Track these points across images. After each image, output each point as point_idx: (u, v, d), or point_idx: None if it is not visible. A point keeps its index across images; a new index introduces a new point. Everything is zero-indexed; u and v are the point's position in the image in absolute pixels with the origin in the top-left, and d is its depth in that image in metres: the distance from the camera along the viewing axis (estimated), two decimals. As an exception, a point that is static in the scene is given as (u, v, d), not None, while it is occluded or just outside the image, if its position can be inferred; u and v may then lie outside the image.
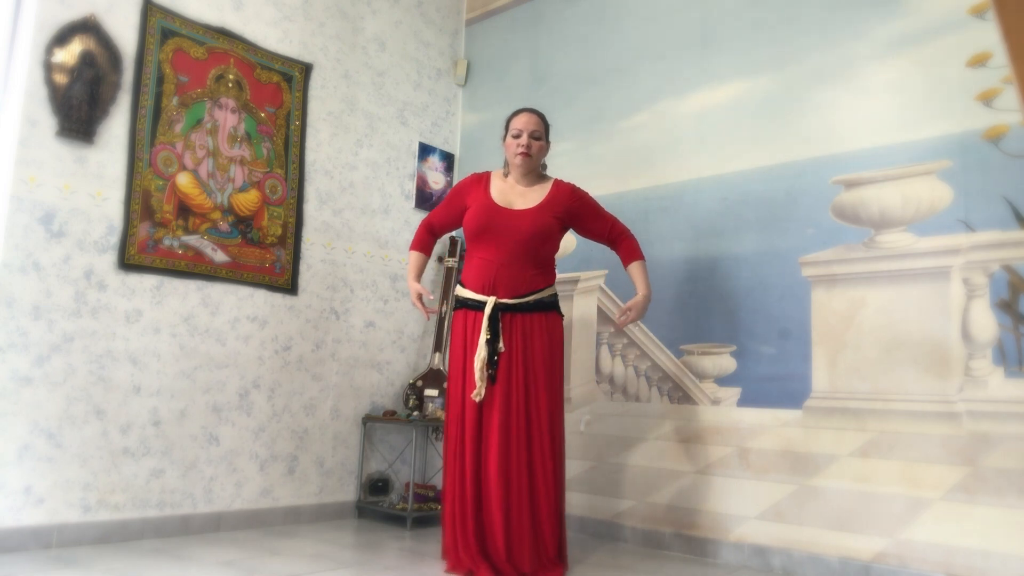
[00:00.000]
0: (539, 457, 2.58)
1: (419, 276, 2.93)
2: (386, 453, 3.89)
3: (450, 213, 2.87)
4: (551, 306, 2.72)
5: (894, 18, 2.80)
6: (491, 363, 2.59)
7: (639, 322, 3.40)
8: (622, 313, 2.78)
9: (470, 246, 2.77)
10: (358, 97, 3.91)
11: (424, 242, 2.96)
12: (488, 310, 2.61)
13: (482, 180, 2.80)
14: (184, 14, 3.22)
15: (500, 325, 2.61)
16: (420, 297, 2.89)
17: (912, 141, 2.71)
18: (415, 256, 2.94)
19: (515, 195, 2.74)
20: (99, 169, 2.93)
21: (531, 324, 2.65)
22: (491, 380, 2.58)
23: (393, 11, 4.12)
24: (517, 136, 2.73)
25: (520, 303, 2.65)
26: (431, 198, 4.18)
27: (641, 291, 2.78)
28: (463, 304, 2.72)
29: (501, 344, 2.60)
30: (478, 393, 2.57)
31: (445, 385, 3.83)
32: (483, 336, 2.59)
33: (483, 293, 2.66)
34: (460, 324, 2.72)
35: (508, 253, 2.65)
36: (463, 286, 2.74)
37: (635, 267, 2.82)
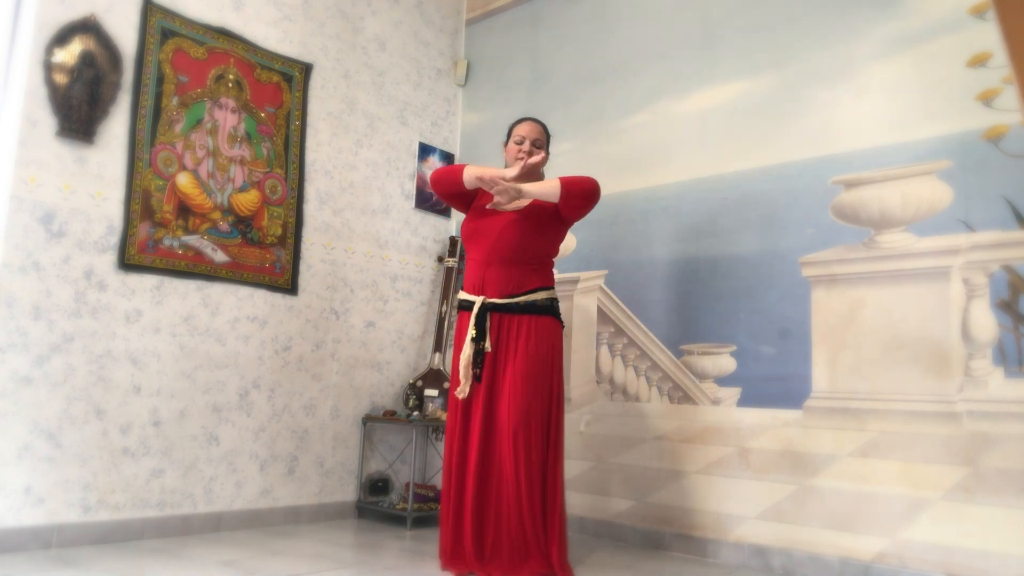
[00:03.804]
0: (526, 459, 2.50)
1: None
2: (386, 453, 3.88)
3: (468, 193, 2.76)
4: (545, 310, 2.65)
5: (894, 18, 2.80)
6: (477, 362, 2.59)
7: (639, 322, 3.40)
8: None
9: (466, 248, 2.80)
10: (358, 97, 3.91)
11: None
12: (476, 309, 2.62)
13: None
14: (184, 14, 3.22)
15: (488, 324, 2.61)
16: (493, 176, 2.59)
17: (912, 141, 2.71)
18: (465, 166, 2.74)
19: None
20: (99, 169, 2.93)
21: (520, 326, 2.62)
22: (476, 379, 2.58)
23: (393, 11, 4.12)
24: (520, 143, 2.77)
25: (509, 303, 2.62)
26: (431, 198, 4.18)
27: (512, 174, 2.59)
28: (461, 305, 2.74)
29: (487, 343, 2.60)
30: (462, 391, 2.58)
31: (446, 385, 3.84)
32: (469, 334, 2.60)
33: (473, 293, 2.67)
34: (460, 325, 2.74)
35: (496, 254, 2.65)
36: (463, 289, 2.76)
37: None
